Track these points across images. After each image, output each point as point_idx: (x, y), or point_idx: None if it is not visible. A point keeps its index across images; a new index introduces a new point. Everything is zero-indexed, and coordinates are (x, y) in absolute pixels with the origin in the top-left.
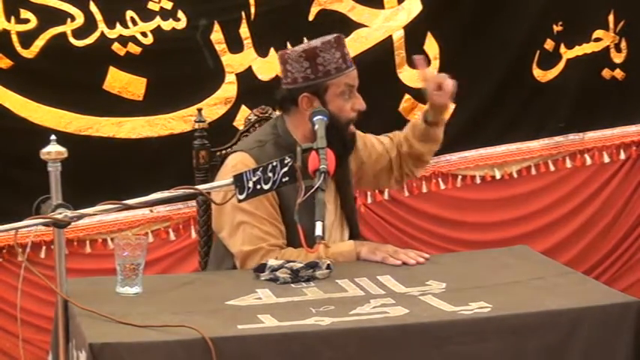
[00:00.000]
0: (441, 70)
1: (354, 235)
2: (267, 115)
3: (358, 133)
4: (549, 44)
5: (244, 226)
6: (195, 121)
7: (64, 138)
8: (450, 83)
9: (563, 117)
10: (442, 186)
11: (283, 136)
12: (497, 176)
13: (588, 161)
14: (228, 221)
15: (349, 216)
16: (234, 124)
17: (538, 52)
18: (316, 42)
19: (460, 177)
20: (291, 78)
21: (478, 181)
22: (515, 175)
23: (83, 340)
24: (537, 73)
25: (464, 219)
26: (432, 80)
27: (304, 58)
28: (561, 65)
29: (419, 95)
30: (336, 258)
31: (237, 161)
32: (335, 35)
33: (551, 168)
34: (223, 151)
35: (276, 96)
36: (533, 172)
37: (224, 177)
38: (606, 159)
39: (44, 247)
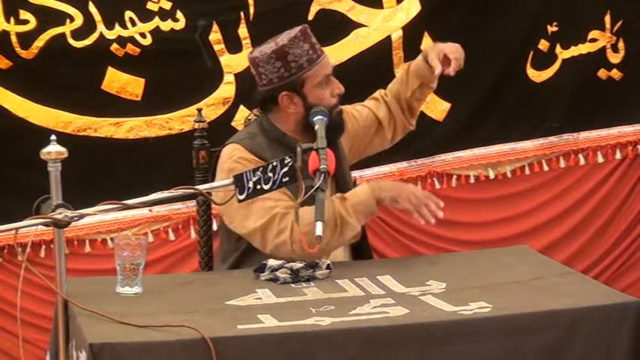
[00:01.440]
0: None
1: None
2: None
3: (343, 107)
4: (544, 45)
5: (252, 205)
6: (195, 121)
7: (62, 138)
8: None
9: (557, 117)
10: (437, 185)
11: (271, 130)
12: (492, 176)
13: (582, 161)
14: (236, 208)
15: None
16: (233, 124)
17: (532, 52)
18: (283, 40)
19: (455, 177)
20: (266, 80)
21: (472, 180)
22: (509, 175)
23: (83, 340)
24: (532, 73)
25: (458, 218)
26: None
27: (275, 58)
28: (557, 66)
29: None
30: (357, 209)
31: (233, 149)
32: (300, 28)
33: (545, 168)
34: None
35: (255, 98)
36: (527, 172)
37: (221, 170)
38: (600, 159)
39: (44, 247)
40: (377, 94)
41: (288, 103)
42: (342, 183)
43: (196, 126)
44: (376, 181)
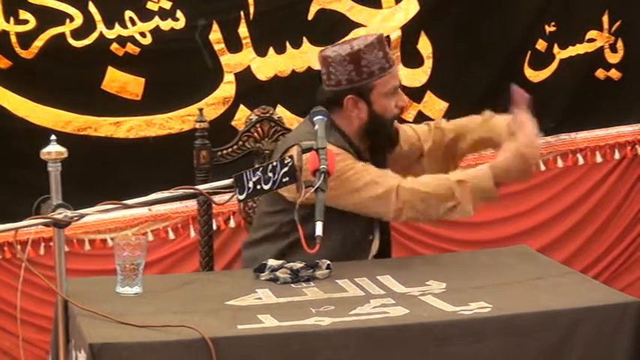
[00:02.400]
0: (434, 69)
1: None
2: (268, 115)
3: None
4: (541, 45)
5: (369, 187)
6: (196, 121)
7: (62, 138)
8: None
9: (554, 117)
10: None
11: (334, 128)
12: None
13: (580, 161)
14: (354, 196)
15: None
16: (233, 123)
17: (530, 52)
18: (359, 44)
19: None
20: (335, 80)
21: None
22: None
23: (83, 340)
24: (529, 73)
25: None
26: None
27: (348, 61)
28: (554, 66)
29: (414, 94)
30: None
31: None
32: (377, 35)
33: (542, 168)
34: (224, 151)
35: (319, 97)
36: None
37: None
38: (599, 159)
39: (43, 244)
40: (434, 122)
41: (352, 107)
42: None
43: (197, 126)
44: (499, 163)
